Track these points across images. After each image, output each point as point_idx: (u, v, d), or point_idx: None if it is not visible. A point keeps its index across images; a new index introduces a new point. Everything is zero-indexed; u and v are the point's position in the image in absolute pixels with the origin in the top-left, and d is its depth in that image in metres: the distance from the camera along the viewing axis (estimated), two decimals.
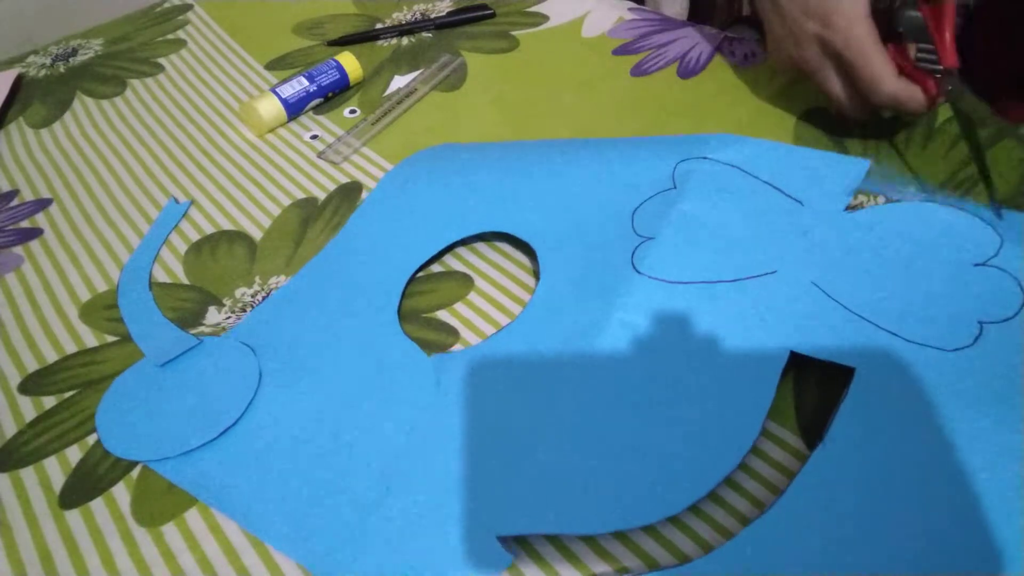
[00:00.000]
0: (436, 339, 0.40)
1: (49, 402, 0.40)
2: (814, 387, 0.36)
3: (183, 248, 0.48)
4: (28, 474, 0.36)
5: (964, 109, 0.44)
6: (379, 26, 0.67)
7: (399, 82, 0.60)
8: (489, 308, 0.42)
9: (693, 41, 0.60)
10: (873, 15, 0.43)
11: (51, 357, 0.42)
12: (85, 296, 0.45)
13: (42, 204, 0.53)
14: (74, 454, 0.37)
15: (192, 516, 0.34)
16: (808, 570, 0.29)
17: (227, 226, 0.49)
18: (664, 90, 0.55)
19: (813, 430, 0.34)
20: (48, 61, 0.68)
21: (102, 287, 0.46)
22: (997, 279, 0.36)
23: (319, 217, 0.49)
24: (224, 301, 0.44)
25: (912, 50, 0.44)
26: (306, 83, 0.57)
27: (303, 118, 0.58)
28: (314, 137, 0.56)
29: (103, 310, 0.44)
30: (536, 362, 0.37)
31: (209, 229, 0.49)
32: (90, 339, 0.43)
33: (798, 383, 0.36)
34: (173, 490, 0.35)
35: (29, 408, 0.39)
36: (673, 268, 0.39)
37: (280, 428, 0.37)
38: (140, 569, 0.33)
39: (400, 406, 0.37)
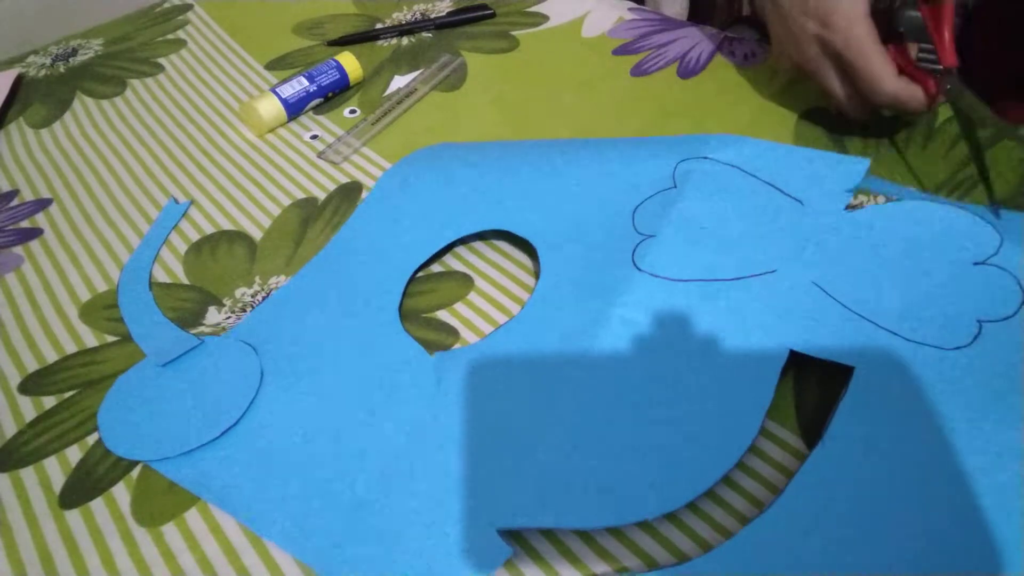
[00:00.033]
0: (436, 339, 0.40)
1: (49, 402, 0.40)
2: (814, 386, 0.36)
3: (183, 248, 0.48)
4: (28, 474, 0.37)
5: (963, 109, 0.44)
6: (379, 26, 0.67)
7: (399, 82, 0.60)
8: (489, 308, 0.42)
9: (693, 41, 0.60)
10: (873, 15, 0.43)
11: (51, 357, 0.42)
12: (85, 296, 0.45)
13: (42, 204, 0.53)
14: (74, 454, 0.37)
15: (192, 516, 0.34)
16: (807, 570, 0.29)
17: (227, 226, 0.49)
18: (664, 90, 0.55)
19: (813, 430, 0.34)
20: (48, 61, 0.68)
21: (102, 287, 0.46)
22: (997, 278, 0.36)
23: (319, 217, 0.49)
24: (224, 301, 0.44)
25: (913, 50, 0.44)
26: (306, 83, 0.57)
27: (303, 118, 0.58)
28: (314, 137, 0.56)
29: (103, 310, 0.44)
30: (536, 359, 0.37)
31: (209, 229, 0.49)
32: (90, 339, 0.43)
33: (798, 382, 0.36)
34: (173, 490, 0.35)
35: (29, 408, 0.39)
36: (674, 266, 0.39)
37: (281, 427, 0.37)
38: (140, 569, 0.33)
39: (401, 404, 0.37)
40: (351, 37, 0.66)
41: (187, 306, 0.44)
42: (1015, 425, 0.31)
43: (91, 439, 0.38)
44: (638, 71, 0.58)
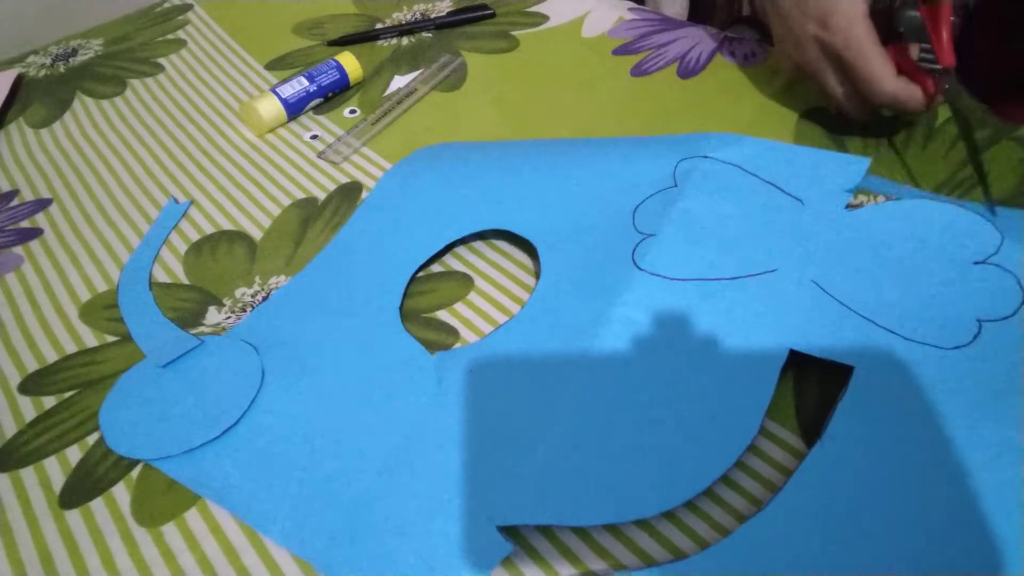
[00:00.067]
0: (436, 339, 0.40)
1: (49, 402, 0.40)
2: (814, 386, 0.36)
3: (183, 248, 0.48)
4: (28, 474, 0.37)
5: (961, 109, 0.44)
6: (379, 26, 0.67)
7: (399, 82, 0.60)
8: (489, 308, 0.42)
9: (693, 41, 0.60)
10: (873, 15, 0.43)
11: (51, 357, 0.42)
12: (85, 296, 0.45)
13: (42, 204, 0.53)
14: (74, 454, 0.37)
15: (192, 516, 0.34)
16: (806, 570, 0.29)
17: (227, 226, 0.49)
18: (664, 90, 0.55)
19: (813, 429, 0.34)
20: (48, 61, 0.68)
21: (102, 287, 0.46)
22: (997, 277, 0.36)
23: (319, 217, 0.49)
24: (224, 301, 0.44)
25: (915, 50, 0.44)
26: (306, 83, 0.57)
27: (303, 118, 0.58)
28: (314, 137, 0.56)
29: (103, 310, 0.44)
30: (537, 358, 0.37)
31: (209, 229, 0.49)
32: (90, 339, 0.43)
33: (798, 382, 0.36)
34: (173, 490, 0.35)
35: (29, 408, 0.39)
36: (674, 265, 0.39)
37: (282, 426, 0.37)
38: (140, 569, 0.33)
39: (401, 403, 0.37)
40: (351, 37, 0.66)
41: (187, 306, 0.44)
42: (1015, 425, 0.31)
43: (91, 439, 0.38)
44: (638, 71, 0.58)
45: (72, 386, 0.40)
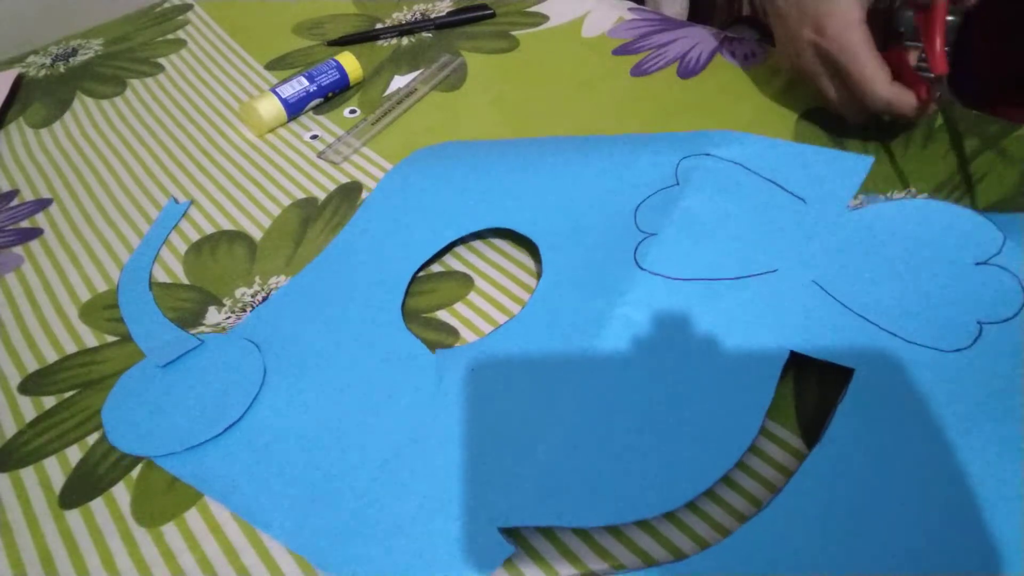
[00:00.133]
0: (436, 339, 0.40)
1: (49, 402, 0.40)
2: (814, 387, 0.36)
3: (183, 248, 0.48)
4: (28, 474, 0.37)
5: (952, 118, 0.45)
6: (379, 26, 0.67)
7: (399, 82, 0.60)
8: (489, 308, 0.42)
9: (693, 41, 0.60)
10: (873, 15, 0.43)
11: (51, 357, 0.42)
12: (85, 296, 0.45)
13: (42, 204, 0.53)
14: (74, 454, 0.37)
15: (192, 516, 0.34)
16: (806, 570, 0.29)
17: (227, 226, 0.49)
18: (664, 90, 0.55)
19: (813, 430, 0.34)
20: (48, 61, 0.68)
21: (102, 287, 0.46)
22: (999, 278, 0.36)
23: (319, 217, 0.49)
24: (224, 301, 0.44)
25: (913, 56, 0.44)
26: (306, 83, 0.57)
27: (303, 118, 0.58)
28: (314, 137, 0.56)
29: (103, 310, 0.44)
30: (538, 357, 0.37)
31: (209, 229, 0.49)
32: (90, 339, 0.43)
33: (798, 383, 0.36)
34: (173, 490, 0.35)
35: (29, 408, 0.39)
36: (675, 265, 0.39)
37: (283, 424, 0.37)
38: (140, 569, 0.33)
39: (403, 401, 0.37)
40: (351, 37, 0.66)
41: (187, 306, 0.44)
42: (1015, 426, 0.31)
43: (91, 439, 0.38)
44: (638, 71, 0.58)
45: (72, 386, 0.40)
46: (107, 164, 0.56)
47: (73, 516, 0.35)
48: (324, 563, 0.32)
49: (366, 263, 0.44)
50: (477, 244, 0.46)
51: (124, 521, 0.34)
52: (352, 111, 0.58)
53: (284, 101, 0.56)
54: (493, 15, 0.67)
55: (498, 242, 0.46)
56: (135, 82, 0.64)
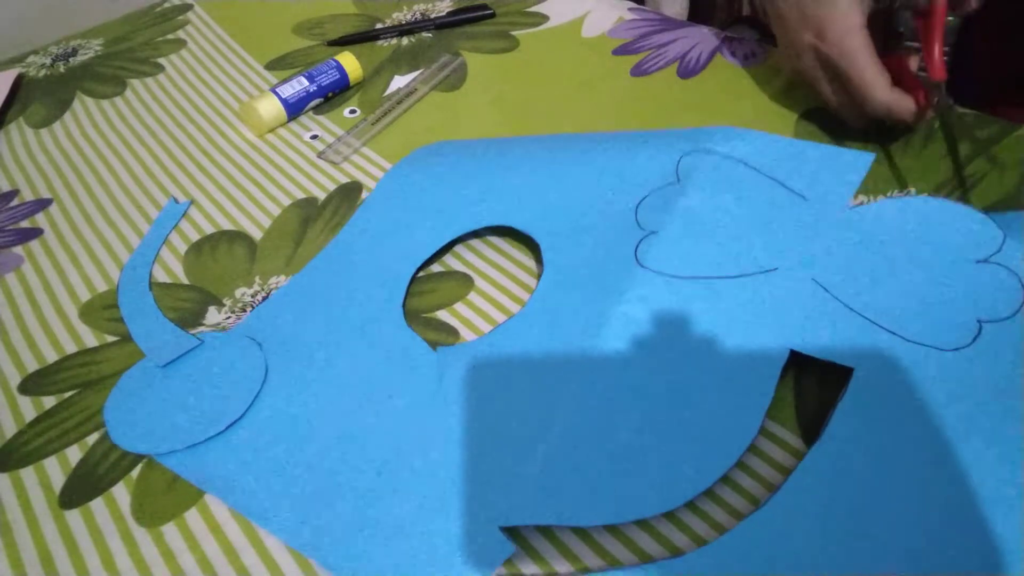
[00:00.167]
0: (436, 339, 0.40)
1: (49, 402, 0.40)
2: (814, 387, 0.36)
3: (183, 248, 0.48)
4: (28, 474, 0.37)
5: (950, 123, 0.45)
6: (379, 26, 0.67)
7: (399, 82, 0.60)
8: (489, 308, 0.42)
9: (693, 41, 0.60)
10: (873, 17, 0.43)
11: (51, 357, 0.42)
12: (85, 296, 0.45)
13: (42, 204, 0.53)
14: (74, 454, 0.37)
15: (192, 516, 0.34)
16: (804, 569, 0.29)
17: (227, 226, 0.49)
18: (664, 90, 0.55)
19: (813, 430, 0.34)
20: (48, 61, 0.68)
21: (102, 287, 0.46)
22: (999, 276, 0.36)
23: (319, 217, 0.49)
24: (224, 301, 0.44)
25: (914, 62, 0.44)
26: (306, 83, 0.57)
27: (303, 118, 0.58)
28: (314, 137, 0.56)
29: (103, 310, 0.44)
30: (538, 355, 0.37)
31: (209, 229, 0.49)
32: (90, 339, 0.43)
33: (798, 382, 0.36)
34: (173, 490, 0.35)
35: (29, 408, 0.39)
36: (676, 263, 0.39)
37: (285, 422, 0.37)
38: (140, 569, 0.33)
39: (404, 400, 0.37)
40: (351, 37, 0.66)
41: (187, 306, 0.44)
42: (1015, 425, 0.31)
43: (91, 439, 0.38)
44: (638, 71, 0.58)
45: (72, 386, 0.40)
46: (107, 164, 0.56)
47: (73, 516, 0.35)
48: (325, 561, 0.32)
49: (367, 262, 0.44)
50: (477, 244, 0.46)
51: (124, 521, 0.34)
52: (352, 111, 0.58)
53: (284, 101, 0.56)
54: (493, 15, 0.67)
55: (498, 242, 0.46)
56: (135, 82, 0.64)
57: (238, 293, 0.44)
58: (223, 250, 0.47)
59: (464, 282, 0.43)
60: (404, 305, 0.42)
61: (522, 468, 0.33)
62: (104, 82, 0.64)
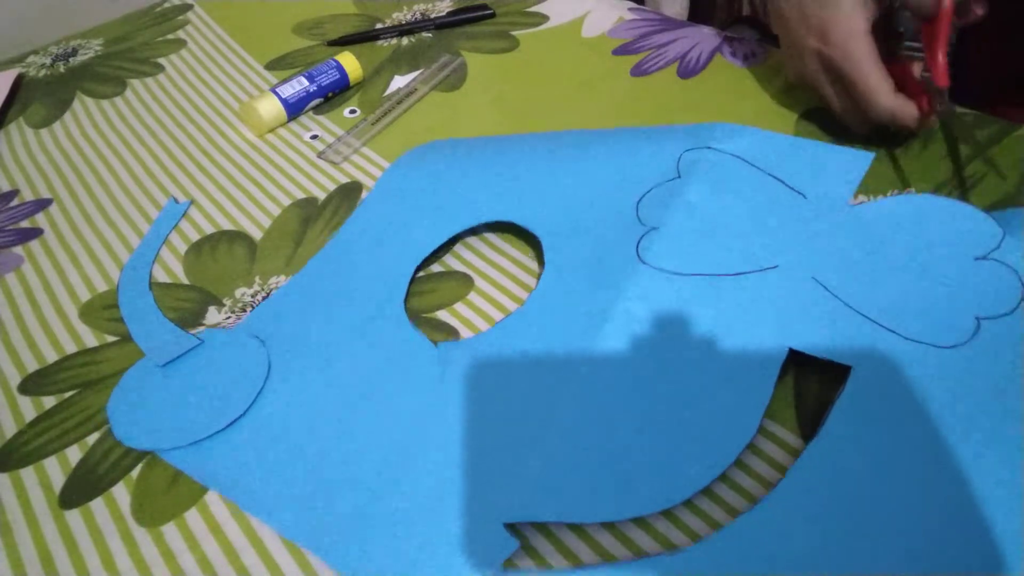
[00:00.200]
0: (436, 339, 0.40)
1: (49, 402, 0.40)
2: (814, 386, 0.36)
3: (183, 248, 0.48)
4: (28, 474, 0.37)
5: (951, 129, 0.45)
6: (379, 26, 0.67)
7: (399, 82, 0.60)
8: (489, 308, 0.42)
9: (693, 41, 0.60)
10: (877, 20, 0.43)
11: (51, 357, 0.42)
12: (85, 296, 0.45)
13: (42, 204, 0.53)
14: (74, 454, 0.37)
15: (192, 516, 0.34)
16: (802, 569, 0.29)
17: (227, 226, 0.49)
18: (664, 90, 0.55)
19: (812, 430, 0.34)
20: (48, 61, 0.68)
21: (102, 287, 0.46)
22: (998, 272, 0.36)
23: (319, 217, 0.49)
24: (224, 301, 0.44)
25: (918, 68, 0.44)
26: (306, 83, 0.57)
27: (303, 118, 0.58)
28: (314, 137, 0.56)
29: (103, 310, 0.44)
30: (539, 352, 0.37)
31: (209, 229, 0.49)
32: (90, 339, 0.43)
33: (798, 382, 0.36)
34: (173, 490, 0.35)
35: (29, 408, 0.39)
36: (677, 259, 0.39)
37: (288, 418, 0.37)
38: (140, 569, 0.33)
39: (406, 395, 0.37)
40: (351, 37, 0.66)
41: (187, 306, 0.44)
42: (1014, 423, 0.31)
43: (91, 439, 0.38)
44: (638, 71, 0.58)
45: (72, 386, 0.40)
46: (107, 164, 0.56)
47: (73, 516, 0.35)
48: (328, 558, 0.32)
49: (368, 258, 0.44)
50: (477, 244, 0.46)
51: (124, 521, 0.34)
52: (352, 111, 0.58)
53: (284, 101, 0.56)
54: (493, 15, 0.67)
55: (498, 242, 0.46)
56: (135, 82, 0.64)
57: (238, 293, 0.44)
58: (223, 250, 0.47)
59: (464, 282, 0.43)
60: (405, 303, 0.42)
61: (522, 465, 0.33)
62: (104, 82, 0.64)
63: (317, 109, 0.58)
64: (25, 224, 0.51)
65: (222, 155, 0.55)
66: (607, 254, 0.41)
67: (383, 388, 0.38)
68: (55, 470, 0.37)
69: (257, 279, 0.45)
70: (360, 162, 0.53)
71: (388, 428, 0.36)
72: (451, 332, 0.41)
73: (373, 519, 0.33)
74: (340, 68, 0.58)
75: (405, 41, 0.65)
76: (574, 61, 0.60)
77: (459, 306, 0.42)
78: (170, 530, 0.34)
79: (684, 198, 0.42)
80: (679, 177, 0.43)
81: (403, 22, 0.67)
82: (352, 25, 0.68)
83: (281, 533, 0.33)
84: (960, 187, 0.43)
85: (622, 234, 0.41)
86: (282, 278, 0.45)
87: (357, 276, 0.43)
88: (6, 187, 0.55)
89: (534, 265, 0.44)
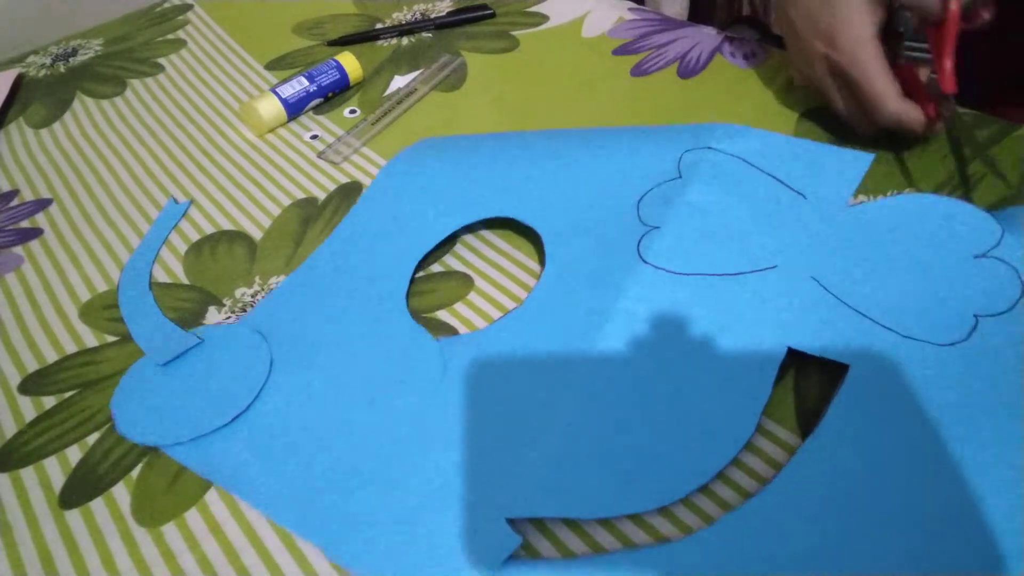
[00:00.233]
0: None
1: (49, 402, 0.40)
2: (814, 385, 0.36)
3: (183, 248, 0.48)
4: (28, 474, 0.37)
5: (957, 136, 0.45)
6: (379, 26, 0.67)
7: (399, 82, 0.60)
8: (489, 308, 0.42)
9: (693, 41, 0.60)
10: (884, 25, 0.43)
11: (51, 357, 0.42)
12: (85, 296, 0.45)
13: (42, 204, 0.53)
14: (74, 454, 0.37)
15: (192, 516, 0.34)
16: (800, 568, 0.29)
17: (227, 226, 0.49)
18: (664, 90, 0.55)
19: (811, 428, 0.34)
20: (48, 61, 0.68)
21: (102, 287, 0.46)
22: (997, 270, 0.36)
23: (319, 217, 0.49)
24: (224, 301, 0.44)
25: (925, 73, 0.44)
26: (306, 83, 0.57)
27: (303, 118, 0.58)
28: (314, 137, 0.56)
29: (103, 310, 0.44)
30: (539, 350, 0.37)
31: (209, 229, 0.49)
32: (90, 339, 0.43)
33: (797, 381, 0.36)
34: (173, 490, 0.35)
35: (29, 408, 0.39)
36: (677, 259, 0.39)
37: (290, 414, 0.37)
38: (140, 569, 0.33)
39: (408, 390, 0.37)
40: (351, 37, 0.66)
41: (187, 306, 0.44)
42: (1012, 421, 0.31)
43: (91, 439, 0.38)
44: (638, 71, 0.58)
45: (72, 386, 0.40)
46: (107, 164, 0.56)
47: (73, 516, 0.35)
48: (330, 553, 0.32)
49: (369, 253, 0.44)
50: (477, 244, 0.46)
51: (124, 521, 0.34)
52: (352, 111, 0.58)
53: (284, 101, 0.56)
54: (493, 15, 0.67)
55: (498, 242, 0.46)
56: (135, 82, 0.64)
57: (238, 293, 0.44)
58: (223, 250, 0.47)
59: (464, 282, 0.43)
60: (406, 301, 0.42)
61: (524, 460, 0.33)
62: (104, 82, 0.64)
63: (317, 109, 0.58)
64: (25, 224, 0.51)
65: (222, 155, 0.55)
66: (608, 253, 0.41)
67: (385, 384, 0.38)
68: (55, 470, 0.37)
69: (257, 279, 0.45)
70: (360, 162, 0.53)
71: (390, 424, 0.36)
72: (451, 332, 0.41)
73: (375, 514, 0.33)
74: (340, 68, 0.58)
75: (405, 41, 0.65)
76: (574, 61, 0.60)
77: (459, 306, 0.42)
78: (170, 530, 0.34)
79: (685, 198, 0.42)
80: (680, 177, 0.44)
81: (403, 22, 0.67)
82: (352, 25, 0.68)
83: (285, 527, 0.33)
84: (963, 186, 0.43)
85: (623, 233, 0.41)
86: (282, 278, 0.45)
87: (358, 272, 0.43)
88: (6, 187, 0.55)
89: (534, 265, 0.44)
